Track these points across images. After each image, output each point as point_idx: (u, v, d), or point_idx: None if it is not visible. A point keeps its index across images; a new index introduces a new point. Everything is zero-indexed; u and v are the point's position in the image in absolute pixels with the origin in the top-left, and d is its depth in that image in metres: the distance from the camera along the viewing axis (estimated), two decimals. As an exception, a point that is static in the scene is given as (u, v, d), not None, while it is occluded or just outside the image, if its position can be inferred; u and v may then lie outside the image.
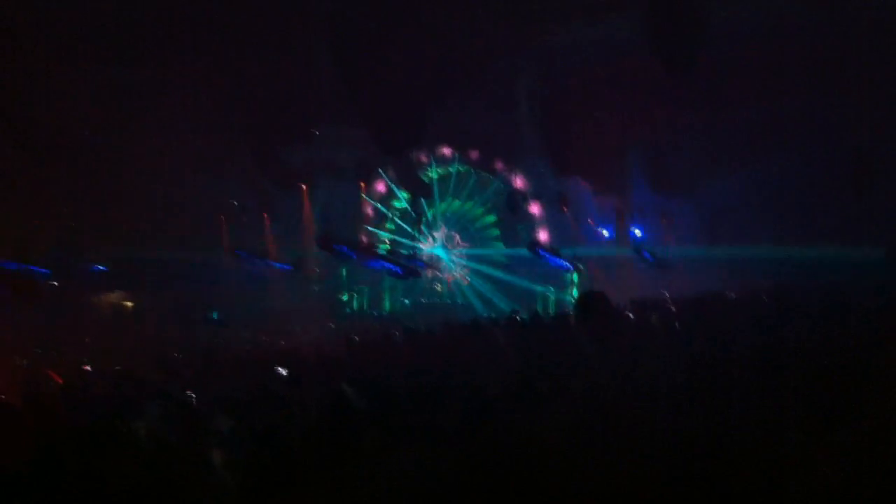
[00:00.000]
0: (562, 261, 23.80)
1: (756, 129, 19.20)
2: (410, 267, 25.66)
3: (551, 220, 25.02)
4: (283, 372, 9.38)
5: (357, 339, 11.64)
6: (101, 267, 21.61)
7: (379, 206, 26.86)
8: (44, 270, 20.26)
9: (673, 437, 3.46)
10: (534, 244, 24.28)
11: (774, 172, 18.95)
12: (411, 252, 26.32)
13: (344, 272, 26.44)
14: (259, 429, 4.04)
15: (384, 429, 3.86)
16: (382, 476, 3.73)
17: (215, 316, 23.20)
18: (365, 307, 26.36)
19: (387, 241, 26.84)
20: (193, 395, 7.21)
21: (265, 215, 24.84)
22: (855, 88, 16.70)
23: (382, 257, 25.76)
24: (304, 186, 24.99)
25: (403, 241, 26.78)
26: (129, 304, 22.14)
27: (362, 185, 26.60)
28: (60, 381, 11.92)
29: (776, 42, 17.64)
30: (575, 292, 23.74)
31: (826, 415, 3.55)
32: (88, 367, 14.37)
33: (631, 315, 10.79)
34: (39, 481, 4.23)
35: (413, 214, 26.71)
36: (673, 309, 10.98)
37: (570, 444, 3.57)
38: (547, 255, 24.07)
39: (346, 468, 3.86)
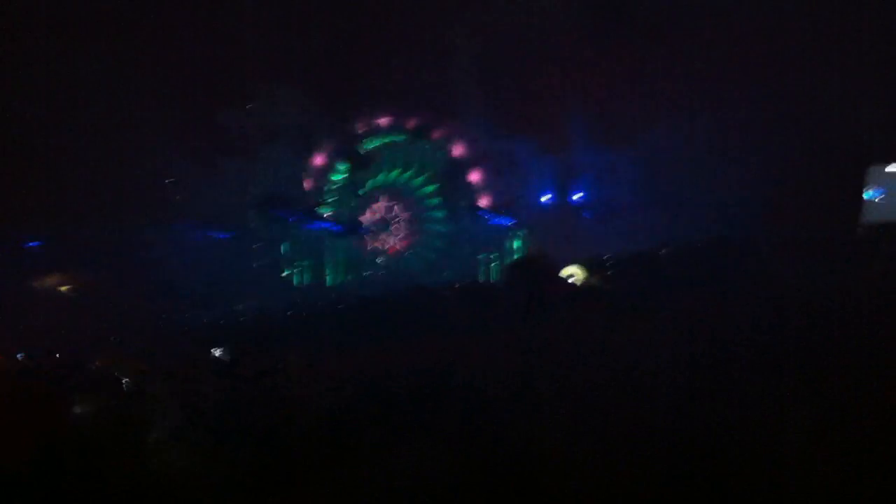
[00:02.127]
0: (504, 219, 24.01)
1: (696, 78, 19.03)
2: (350, 225, 25.40)
3: (492, 185, 25.06)
4: (218, 353, 9.23)
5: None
6: (35, 243, 20.56)
7: (317, 178, 26.33)
8: None
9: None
10: (474, 206, 24.41)
11: (716, 126, 18.81)
12: (350, 221, 26.06)
13: (284, 246, 25.97)
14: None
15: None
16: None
17: None
18: (306, 281, 25.97)
19: (325, 214, 26.40)
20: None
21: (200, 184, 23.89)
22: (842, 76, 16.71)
23: (320, 218, 25.35)
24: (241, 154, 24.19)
25: (343, 213, 26.41)
26: (68, 285, 21.14)
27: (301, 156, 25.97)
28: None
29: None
30: (516, 257, 23.99)
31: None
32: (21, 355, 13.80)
33: (570, 280, 10.88)
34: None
35: (352, 186, 26.32)
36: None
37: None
38: (487, 215, 24.24)
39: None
